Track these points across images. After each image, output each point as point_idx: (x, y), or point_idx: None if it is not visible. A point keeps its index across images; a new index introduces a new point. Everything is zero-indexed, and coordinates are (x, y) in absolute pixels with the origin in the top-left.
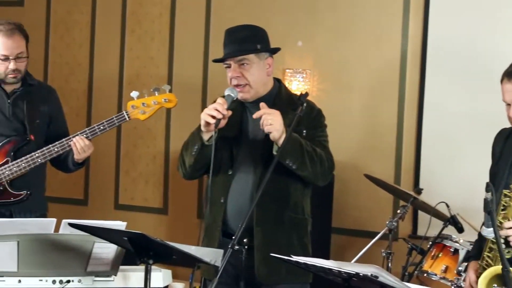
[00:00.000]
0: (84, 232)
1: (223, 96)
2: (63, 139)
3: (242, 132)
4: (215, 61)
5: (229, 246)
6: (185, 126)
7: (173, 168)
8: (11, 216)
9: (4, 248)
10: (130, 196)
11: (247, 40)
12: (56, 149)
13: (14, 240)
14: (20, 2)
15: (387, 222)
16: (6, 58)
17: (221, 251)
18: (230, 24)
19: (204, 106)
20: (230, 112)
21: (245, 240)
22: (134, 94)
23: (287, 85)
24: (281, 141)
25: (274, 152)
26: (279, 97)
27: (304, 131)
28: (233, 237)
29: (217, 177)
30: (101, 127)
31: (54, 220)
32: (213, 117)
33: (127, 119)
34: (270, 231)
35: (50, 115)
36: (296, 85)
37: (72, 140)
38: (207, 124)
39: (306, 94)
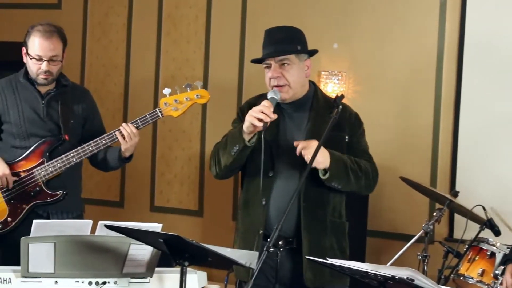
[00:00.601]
0: (120, 234)
1: (264, 98)
2: (105, 135)
3: (280, 133)
4: (255, 61)
5: (264, 249)
6: (220, 128)
7: (208, 170)
8: (48, 217)
9: (41, 250)
10: (166, 198)
11: (288, 41)
12: (90, 148)
13: (51, 241)
14: (57, 5)
15: (423, 225)
16: (40, 59)
17: (256, 253)
18: (265, 26)
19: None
20: (276, 116)
21: (280, 243)
22: (167, 91)
23: (322, 87)
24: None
25: (322, 176)
26: (316, 100)
27: (347, 137)
28: (268, 240)
29: (256, 179)
30: (135, 125)
31: (90, 221)
32: (260, 120)
33: (160, 116)
34: (316, 236)
35: (85, 116)
36: (331, 87)
37: (118, 130)
38: (253, 126)
39: (342, 96)
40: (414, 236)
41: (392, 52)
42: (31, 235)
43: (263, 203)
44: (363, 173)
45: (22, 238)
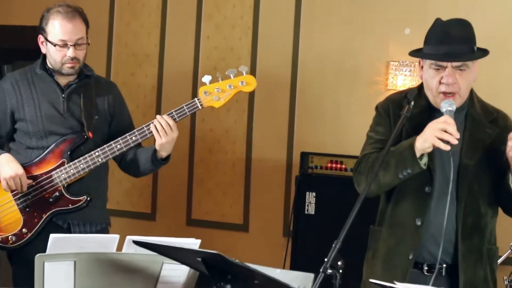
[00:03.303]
0: (151, 252)
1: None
2: (135, 130)
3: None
4: (414, 55)
5: (321, 270)
6: (270, 128)
7: (255, 178)
8: (68, 229)
9: (59, 269)
10: (205, 210)
11: (467, 41)
12: (118, 146)
13: (70, 259)
14: None
15: (511, 245)
16: (65, 44)
17: (312, 275)
18: (323, 9)
19: (292, 105)
20: (459, 134)
21: (339, 263)
22: (206, 78)
23: (391, 80)
24: None
25: (511, 184)
26: (472, 105)
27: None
28: (326, 259)
29: (410, 194)
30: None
31: (117, 236)
32: (445, 141)
33: (200, 107)
34: (472, 266)
35: (111, 112)
36: (401, 80)
37: (151, 124)
38: (433, 147)
39: (416, 90)
40: (501, 257)
41: None
42: (48, 251)
43: (418, 224)
44: None
45: (37, 255)
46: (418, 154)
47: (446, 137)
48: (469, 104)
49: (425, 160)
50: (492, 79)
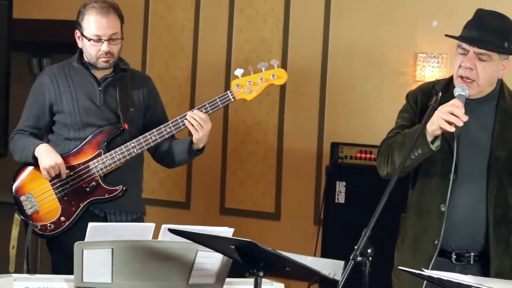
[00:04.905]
0: (186, 240)
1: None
2: (169, 122)
3: (462, 129)
4: (452, 37)
5: (351, 257)
6: (301, 119)
7: (287, 168)
8: (105, 218)
9: (97, 256)
10: (238, 199)
11: (498, 34)
12: (153, 137)
13: (108, 247)
14: None
15: None
16: (99, 39)
17: (342, 262)
18: (352, 1)
19: (323, 96)
20: (467, 117)
21: (369, 251)
22: (239, 72)
23: (419, 72)
24: None
25: None
26: (503, 97)
27: None
28: (356, 247)
29: (434, 181)
30: (203, 110)
31: (152, 225)
32: (451, 123)
33: (232, 99)
34: (500, 255)
35: (146, 104)
36: (429, 72)
37: (185, 119)
38: (441, 129)
39: (447, 80)
40: None
41: None
42: (86, 239)
43: (443, 209)
44: None
45: (76, 243)
46: (429, 137)
47: (452, 119)
48: (500, 96)
49: (437, 143)
50: None
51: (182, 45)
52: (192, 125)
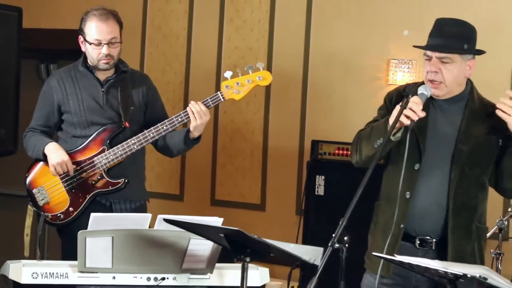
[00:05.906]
0: (179, 228)
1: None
2: (165, 120)
3: (429, 125)
4: (417, 47)
5: (329, 244)
6: (284, 119)
7: (271, 163)
8: (110, 207)
9: (99, 244)
10: (227, 191)
11: (456, 37)
12: (151, 134)
13: (108, 235)
14: None
15: (497, 221)
16: (99, 43)
17: (321, 249)
18: (332, 13)
19: (304, 99)
20: (424, 113)
21: (345, 238)
22: (228, 74)
23: (391, 76)
24: None
25: None
26: (472, 99)
27: (500, 141)
28: (333, 235)
29: (400, 171)
30: (205, 104)
31: (149, 215)
32: (407, 117)
33: (222, 99)
34: (460, 241)
35: (145, 101)
36: (400, 76)
37: (183, 113)
38: (400, 123)
39: (421, 83)
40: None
41: None
42: (89, 228)
43: (407, 196)
44: None
45: (79, 232)
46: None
47: (409, 113)
48: (469, 98)
49: (398, 135)
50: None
51: (176, 52)
52: (192, 112)
